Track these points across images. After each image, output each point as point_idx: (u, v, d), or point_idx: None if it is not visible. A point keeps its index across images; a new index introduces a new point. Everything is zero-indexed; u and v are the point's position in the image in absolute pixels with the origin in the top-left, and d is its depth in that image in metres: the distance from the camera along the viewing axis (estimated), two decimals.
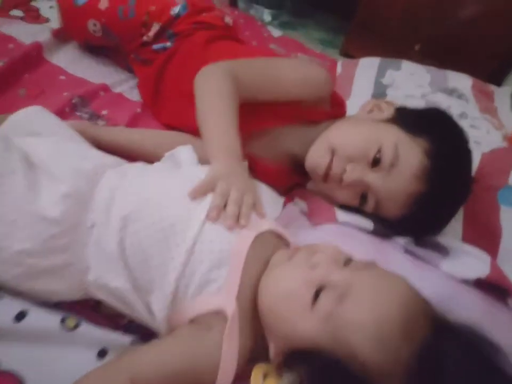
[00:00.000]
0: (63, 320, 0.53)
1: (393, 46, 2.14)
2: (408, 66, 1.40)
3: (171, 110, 0.99)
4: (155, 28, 1.01)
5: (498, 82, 1.88)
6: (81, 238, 0.55)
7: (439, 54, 2.05)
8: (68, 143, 0.65)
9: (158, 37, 1.02)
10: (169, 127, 1.01)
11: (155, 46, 1.02)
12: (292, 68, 0.88)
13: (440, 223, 0.80)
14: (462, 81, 1.35)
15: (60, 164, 0.58)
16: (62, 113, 0.92)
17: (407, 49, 2.11)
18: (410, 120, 0.78)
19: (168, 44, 1.02)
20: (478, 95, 1.31)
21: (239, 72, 0.79)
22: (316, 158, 0.79)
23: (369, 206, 0.77)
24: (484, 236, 0.86)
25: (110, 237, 0.54)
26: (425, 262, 0.76)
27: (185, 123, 0.95)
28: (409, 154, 0.72)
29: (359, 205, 0.79)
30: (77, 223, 0.55)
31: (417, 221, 0.75)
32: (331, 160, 0.76)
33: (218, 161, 0.65)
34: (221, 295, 0.51)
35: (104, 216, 0.55)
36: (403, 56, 1.54)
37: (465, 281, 0.73)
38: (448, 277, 0.72)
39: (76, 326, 0.53)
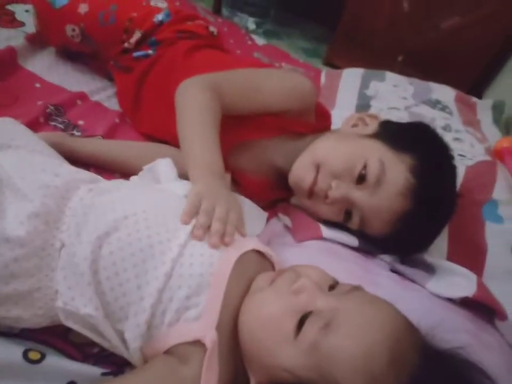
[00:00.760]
0: (25, 353, 0.49)
1: (376, 57, 2.15)
2: (391, 78, 1.40)
3: (151, 119, 0.97)
4: (137, 35, 0.98)
5: (479, 94, 1.90)
6: (49, 261, 0.51)
7: (422, 65, 2.07)
8: (38, 157, 0.60)
9: (139, 44, 1.00)
10: (149, 136, 0.98)
11: (136, 54, 0.99)
12: (275, 78, 0.86)
13: (426, 241, 0.78)
14: (445, 93, 1.36)
15: (28, 180, 0.54)
16: (36, 123, 0.88)
17: (390, 60, 2.13)
18: (395, 135, 0.77)
19: (150, 51, 0.99)
20: (461, 107, 1.31)
21: (220, 85, 0.77)
22: (300, 173, 0.77)
23: (354, 222, 0.76)
24: (469, 252, 0.85)
25: (81, 259, 0.50)
26: (411, 281, 0.75)
27: (165, 133, 0.92)
28: (394, 171, 0.71)
29: (343, 221, 0.77)
30: (44, 244, 0.51)
31: (402, 239, 0.74)
32: (316, 176, 0.75)
33: (199, 180, 0.64)
34: (200, 323, 0.48)
35: (75, 237, 0.51)
36: (386, 67, 1.55)
37: (452, 301, 0.72)
38: (435, 297, 0.71)
39: (41, 359, 0.49)
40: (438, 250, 0.84)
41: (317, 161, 0.75)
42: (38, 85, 1.00)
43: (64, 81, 1.05)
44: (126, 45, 0.99)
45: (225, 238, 0.54)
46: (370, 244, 0.79)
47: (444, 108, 1.27)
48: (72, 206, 0.54)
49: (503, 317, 0.70)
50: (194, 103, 0.73)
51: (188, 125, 0.71)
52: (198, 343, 0.47)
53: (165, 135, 0.93)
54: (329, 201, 0.74)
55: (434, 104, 1.28)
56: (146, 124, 0.98)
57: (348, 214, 0.75)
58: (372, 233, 0.75)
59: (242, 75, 0.84)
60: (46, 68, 1.07)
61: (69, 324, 0.50)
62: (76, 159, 0.80)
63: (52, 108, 0.93)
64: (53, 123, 0.92)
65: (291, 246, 0.78)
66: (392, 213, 0.71)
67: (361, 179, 0.72)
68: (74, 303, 0.49)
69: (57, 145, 0.75)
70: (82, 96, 1.02)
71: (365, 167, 0.71)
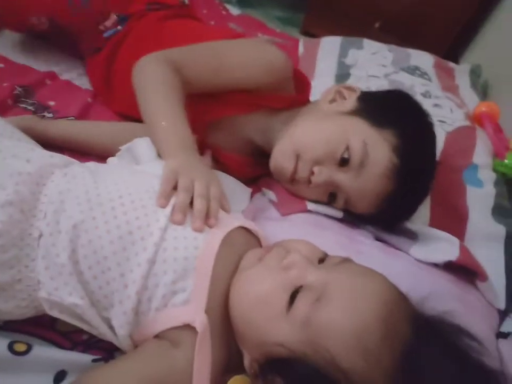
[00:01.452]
0: (11, 345, 0.47)
1: (353, 24, 2.11)
2: (370, 45, 1.38)
3: (124, 96, 0.91)
4: (112, 18, 0.93)
5: (456, 59, 1.90)
6: (28, 251, 0.48)
7: (399, 31, 2.04)
8: (7, 142, 0.57)
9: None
10: (123, 115, 0.94)
11: (106, 34, 0.94)
12: (242, 50, 0.82)
13: (408, 214, 0.78)
14: (424, 60, 1.35)
15: None
16: (4, 106, 0.84)
17: (367, 27, 2.09)
18: (375, 110, 0.74)
19: (119, 27, 0.94)
20: (440, 73, 1.31)
21: (179, 61, 0.73)
22: (280, 161, 0.75)
23: (339, 204, 0.75)
24: (451, 218, 0.86)
25: (61, 249, 0.48)
26: (396, 248, 0.76)
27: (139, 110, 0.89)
28: (378, 152, 0.69)
29: (328, 202, 0.76)
30: (22, 234, 0.48)
31: (386, 215, 0.74)
32: (296, 164, 0.73)
33: (172, 157, 0.61)
34: (189, 307, 0.47)
35: (52, 225, 0.49)
36: (363, 34, 1.52)
37: (435, 265, 0.73)
38: (419, 262, 0.72)
39: (27, 350, 0.48)
40: (420, 217, 0.85)
41: (296, 149, 0.73)
42: (1, 65, 0.94)
43: (31, 60, 0.99)
44: (101, 27, 0.93)
45: (210, 220, 0.53)
46: (355, 216, 0.80)
47: (422, 75, 1.26)
48: (48, 193, 0.52)
49: (484, 278, 0.72)
50: (155, 79, 0.69)
51: (151, 101, 0.68)
52: (188, 327, 0.46)
53: (138, 112, 0.90)
54: (312, 186, 0.73)
55: (413, 70, 1.27)
56: (119, 102, 0.94)
57: (332, 196, 0.74)
58: (356, 212, 0.75)
59: (204, 49, 0.79)
60: (10, 46, 1.01)
61: (54, 313, 0.49)
62: (48, 143, 0.77)
63: (19, 89, 0.88)
64: (22, 105, 0.87)
65: (277, 220, 0.77)
66: (376, 194, 0.70)
67: (344, 162, 0.70)
68: (58, 293, 0.48)
69: (28, 130, 0.71)
70: (52, 76, 0.97)
71: (347, 148, 0.69)
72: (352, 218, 0.78)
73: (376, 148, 0.69)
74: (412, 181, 0.70)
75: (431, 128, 0.76)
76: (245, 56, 0.79)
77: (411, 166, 0.69)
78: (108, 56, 0.92)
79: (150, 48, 0.76)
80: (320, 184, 0.72)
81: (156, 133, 0.66)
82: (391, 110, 0.74)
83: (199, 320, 0.46)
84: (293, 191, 0.79)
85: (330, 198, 0.75)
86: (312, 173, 0.72)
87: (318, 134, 0.73)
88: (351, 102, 0.77)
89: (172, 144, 0.63)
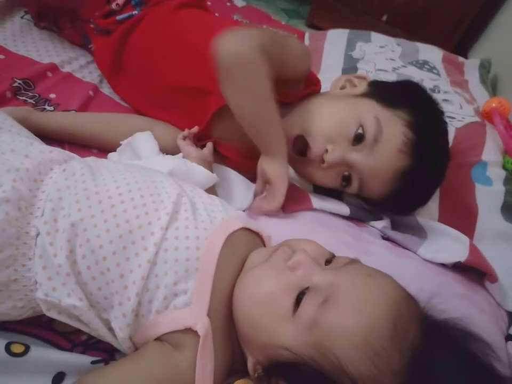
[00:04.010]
0: (8, 346, 0.46)
1: (360, 16, 2.09)
2: (378, 39, 1.35)
3: (132, 83, 0.91)
4: None
5: (465, 53, 1.87)
6: (25, 250, 0.47)
7: (406, 25, 2.01)
8: (6, 137, 0.55)
9: (124, 5, 0.93)
10: (126, 104, 0.93)
11: (119, 17, 0.92)
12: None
13: (426, 196, 0.76)
14: (433, 54, 1.32)
15: None
16: (2, 98, 0.82)
17: (373, 19, 2.06)
18: (386, 93, 0.73)
19: (135, 12, 0.92)
20: (449, 68, 1.28)
21: (266, 45, 0.68)
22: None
23: (353, 187, 0.73)
24: (460, 215, 0.84)
25: (58, 249, 0.46)
26: (404, 247, 0.74)
27: (144, 99, 0.88)
28: (391, 128, 0.68)
29: (341, 187, 0.74)
30: (19, 233, 0.47)
31: (403, 197, 0.72)
32: (310, 142, 0.71)
33: (283, 158, 0.70)
34: (190, 310, 0.45)
35: (50, 224, 0.47)
36: (370, 27, 1.49)
37: (444, 265, 0.71)
38: (428, 262, 0.71)
39: (25, 351, 0.46)
40: (429, 214, 0.84)
41: (310, 127, 0.71)
42: (1, 56, 0.92)
43: (32, 51, 0.97)
44: (113, 6, 0.92)
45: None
46: (363, 211, 0.78)
47: (431, 69, 1.23)
48: (46, 189, 0.50)
49: (494, 279, 0.70)
50: (259, 70, 0.66)
51: (260, 96, 0.68)
52: (190, 331, 0.45)
53: (143, 102, 0.89)
54: (325, 165, 0.70)
55: (422, 65, 1.24)
56: (126, 87, 0.92)
57: (346, 179, 0.72)
58: (372, 195, 0.73)
59: (277, 34, 0.80)
60: (11, 37, 0.99)
61: (52, 315, 0.47)
62: (45, 135, 0.75)
63: (19, 81, 0.87)
64: (22, 98, 0.86)
65: (281, 218, 0.75)
66: (392, 171, 0.68)
67: (357, 140, 0.69)
68: (56, 294, 0.46)
69: (24, 121, 0.69)
70: (52, 68, 0.95)
71: (360, 126, 0.68)
72: (360, 214, 0.77)
73: (389, 124, 0.68)
74: (427, 158, 0.68)
75: (442, 112, 0.75)
76: (298, 45, 0.80)
77: (426, 142, 0.68)
78: (119, 39, 0.90)
79: (162, 35, 0.74)
80: (334, 163, 0.70)
81: (263, 130, 0.70)
82: (403, 94, 0.74)
83: (201, 324, 0.44)
84: (306, 174, 0.78)
85: (344, 181, 0.73)
86: (325, 151, 0.70)
87: (330, 114, 0.72)
88: (362, 86, 0.77)
89: (281, 145, 0.70)
